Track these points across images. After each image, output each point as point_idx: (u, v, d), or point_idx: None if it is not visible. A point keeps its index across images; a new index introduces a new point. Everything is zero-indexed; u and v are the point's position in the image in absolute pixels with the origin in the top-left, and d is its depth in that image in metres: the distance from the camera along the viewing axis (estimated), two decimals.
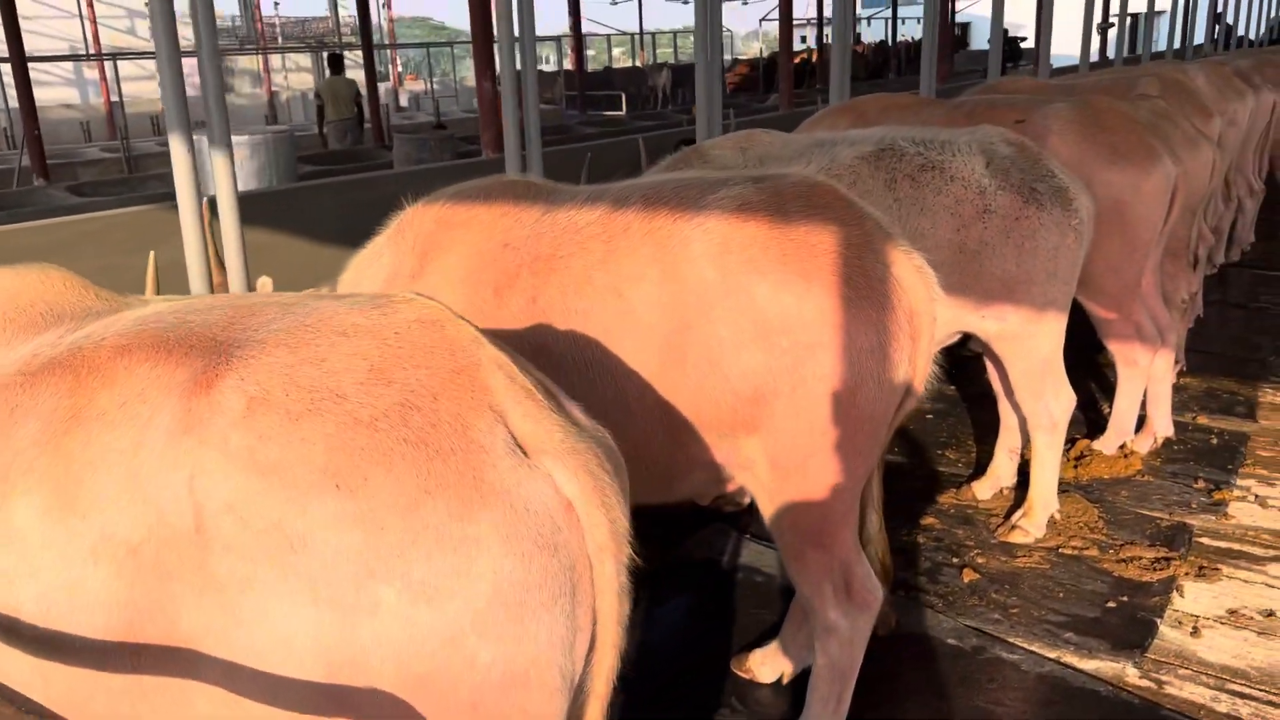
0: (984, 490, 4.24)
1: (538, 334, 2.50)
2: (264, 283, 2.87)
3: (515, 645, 1.39)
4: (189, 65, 4.38)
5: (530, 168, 4.81)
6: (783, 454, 2.41)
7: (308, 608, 1.35)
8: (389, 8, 26.85)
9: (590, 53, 35.70)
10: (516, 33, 5.12)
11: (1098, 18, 21.76)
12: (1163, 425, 4.71)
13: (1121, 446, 4.62)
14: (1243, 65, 8.16)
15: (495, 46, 5.25)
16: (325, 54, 16.97)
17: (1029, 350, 3.72)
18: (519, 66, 5.11)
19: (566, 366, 2.47)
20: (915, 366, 2.45)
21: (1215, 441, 4.79)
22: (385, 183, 7.84)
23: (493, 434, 1.42)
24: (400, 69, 27.66)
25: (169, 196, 4.26)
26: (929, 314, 2.44)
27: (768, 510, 2.52)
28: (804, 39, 35.05)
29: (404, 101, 26.67)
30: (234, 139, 9.21)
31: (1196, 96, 6.00)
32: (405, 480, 1.37)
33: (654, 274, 2.41)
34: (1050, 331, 3.70)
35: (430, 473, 1.38)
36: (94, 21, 22.39)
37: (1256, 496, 4.22)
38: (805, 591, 2.58)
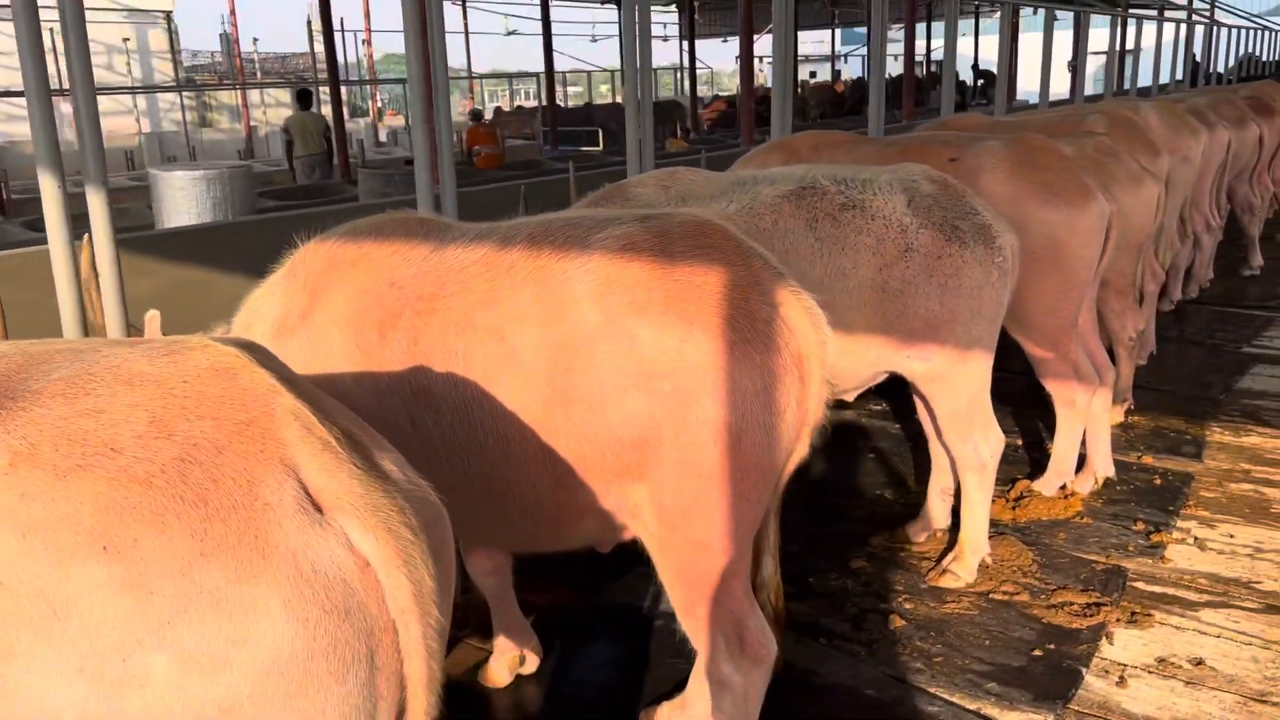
0: (917, 533, 4.16)
1: (419, 376, 2.42)
2: (151, 318, 2.79)
3: (299, 716, 1.30)
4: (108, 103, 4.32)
5: (444, 207, 4.75)
6: (668, 501, 2.32)
7: (73, 679, 1.26)
8: (369, 44, 26.99)
9: (577, 89, 35.97)
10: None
11: (1069, 55, 21.96)
12: (1103, 465, 4.64)
13: (1062, 487, 4.55)
14: (1199, 103, 8.19)
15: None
16: (293, 89, 16.95)
17: (955, 390, 3.65)
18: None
19: (446, 409, 2.39)
20: (805, 410, 2.38)
21: (1159, 482, 4.72)
22: (341, 217, 7.79)
23: (281, 490, 1.34)
24: (380, 104, 27.73)
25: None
26: (819, 357, 2.36)
27: (657, 561, 2.44)
28: (813, 73, 35.41)
29: (383, 136, 26.72)
30: (190, 174, 9.17)
31: (1144, 134, 6.00)
32: (179, 541, 1.28)
33: (536, 315, 2.34)
34: (975, 371, 3.64)
35: (207, 533, 1.29)
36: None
37: (1195, 539, 4.14)
38: (697, 645, 2.48)
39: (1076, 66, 19.24)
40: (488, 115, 28.17)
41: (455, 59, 32.34)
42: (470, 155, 14.29)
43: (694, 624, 2.44)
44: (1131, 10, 18.89)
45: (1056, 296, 4.24)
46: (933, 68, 31.40)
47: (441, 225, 2.70)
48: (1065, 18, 15.45)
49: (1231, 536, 4.16)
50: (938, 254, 3.47)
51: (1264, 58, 35.16)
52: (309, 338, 2.59)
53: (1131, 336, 5.35)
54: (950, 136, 4.51)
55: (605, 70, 32.20)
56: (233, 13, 23.97)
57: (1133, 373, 5.48)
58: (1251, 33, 27.77)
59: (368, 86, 28.35)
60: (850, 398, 4.07)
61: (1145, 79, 19.64)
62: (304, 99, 14.08)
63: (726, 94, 28.72)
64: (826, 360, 2.38)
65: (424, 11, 4.92)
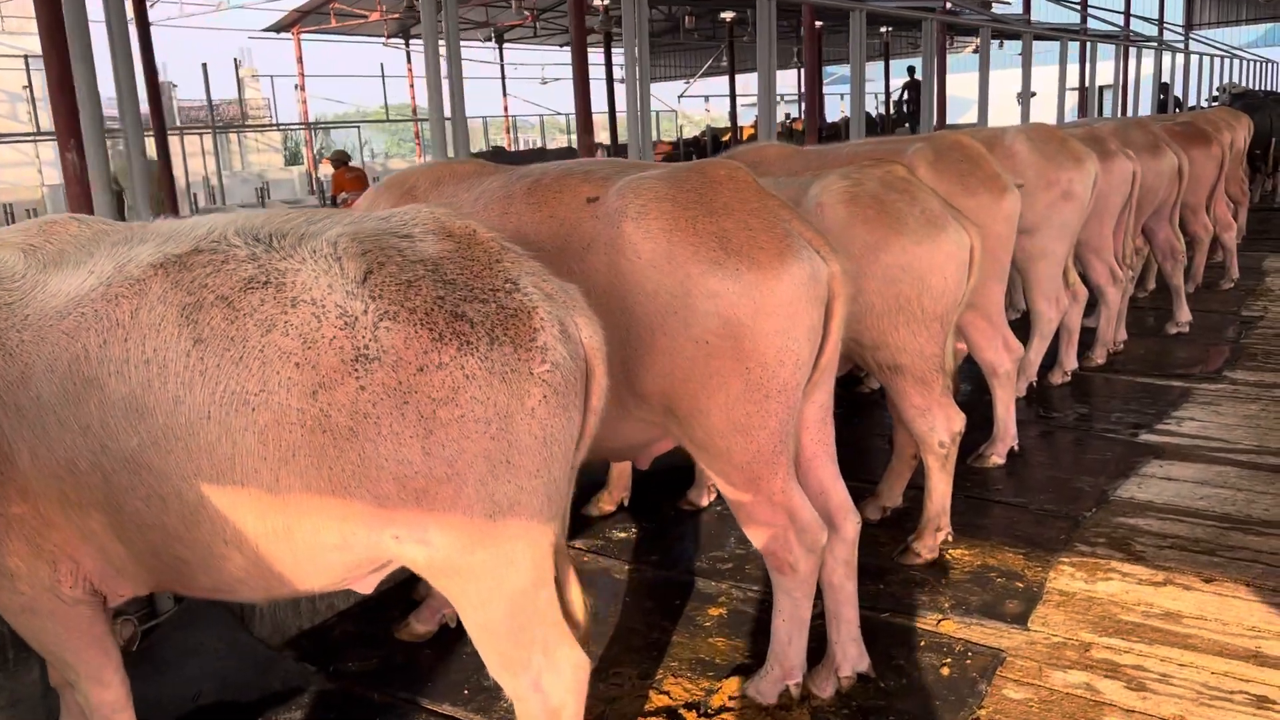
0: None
1: None
2: None
3: None
4: None
5: None
6: None
7: None
8: (302, 89, 25.72)
9: (533, 135, 34.81)
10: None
11: (1018, 87, 20.67)
12: (848, 658, 3.11)
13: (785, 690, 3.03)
14: (1101, 129, 6.75)
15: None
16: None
17: (484, 592, 2.15)
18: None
19: None
20: None
21: (947, 671, 3.19)
22: None
23: None
24: (316, 152, 26.44)
25: None
26: None
27: None
28: (788, 115, 34.07)
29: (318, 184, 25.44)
30: None
31: (981, 165, 4.53)
32: None
33: None
34: (516, 559, 2.13)
35: None
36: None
37: None
38: None
39: (1026, 98, 18.01)
40: (426, 156, 27.02)
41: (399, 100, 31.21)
42: (336, 203, 12.93)
43: None
44: (1102, 39, 17.63)
45: (744, 409, 2.75)
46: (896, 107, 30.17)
47: None
48: (1049, 52, 14.07)
49: None
50: (417, 364, 1.98)
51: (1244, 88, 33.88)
52: None
53: (943, 441, 3.86)
54: (604, 168, 3.02)
55: (559, 114, 30.96)
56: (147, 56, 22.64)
57: (947, 492, 3.96)
58: (1230, 63, 26.47)
59: (302, 133, 27.07)
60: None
61: (1144, 108, 18.44)
62: None
63: (668, 139, 27.45)
64: None
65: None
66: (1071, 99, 14.63)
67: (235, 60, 24.70)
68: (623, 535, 4.33)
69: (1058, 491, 4.61)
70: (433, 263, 2.09)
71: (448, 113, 4.86)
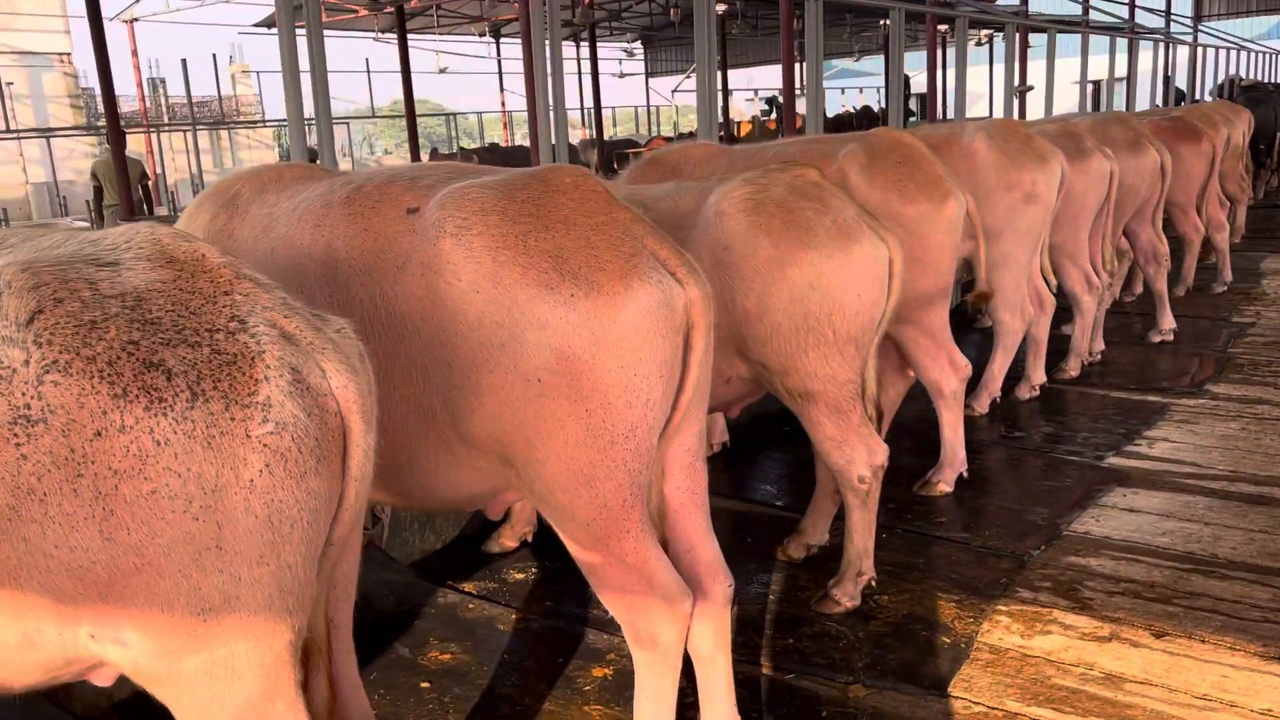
0: None
1: None
2: None
3: None
4: None
5: None
6: None
7: None
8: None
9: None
10: None
11: (1018, 81, 20.21)
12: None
13: None
14: (1077, 125, 6.30)
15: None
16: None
17: (210, 703, 1.74)
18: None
19: None
20: None
21: None
22: None
23: None
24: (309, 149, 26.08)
25: None
26: None
27: None
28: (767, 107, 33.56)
29: None
30: None
31: (924, 168, 4.10)
32: None
33: None
34: (244, 664, 1.73)
35: None
36: None
37: None
38: None
39: (1024, 91, 17.56)
40: (424, 157, 26.52)
41: (388, 97, 30.78)
42: None
43: None
44: (1101, 31, 17.11)
45: (585, 457, 2.34)
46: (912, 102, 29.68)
47: None
48: (1066, 44, 13.57)
49: None
50: (93, 428, 1.58)
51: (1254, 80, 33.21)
52: None
53: (863, 476, 3.44)
54: (438, 173, 2.60)
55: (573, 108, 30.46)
56: (134, 54, 22.40)
57: (869, 532, 3.54)
58: (1239, 55, 25.84)
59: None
60: None
61: (1144, 102, 17.94)
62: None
63: (664, 134, 27.02)
64: None
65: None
66: (1074, 94, 14.13)
67: (214, 56, 24.26)
68: (519, 577, 3.92)
69: (1007, 525, 4.18)
70: (135, 297, 1.69)
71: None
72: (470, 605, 3.70)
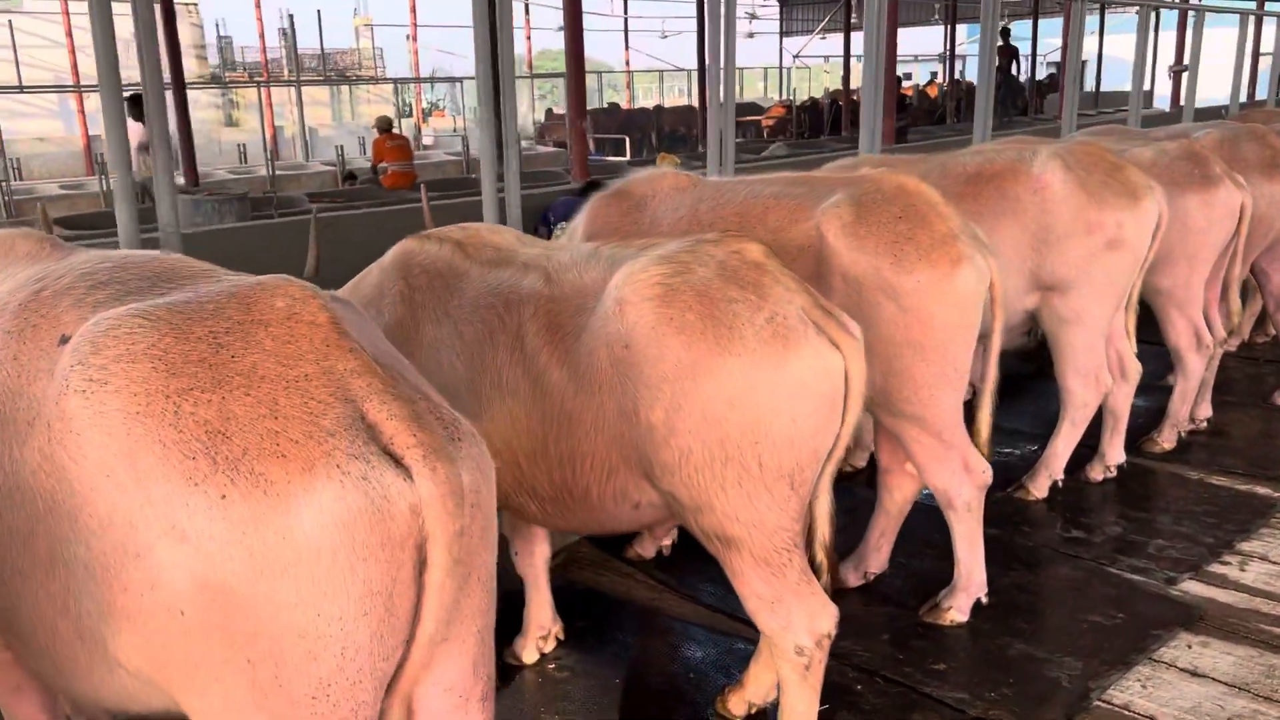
0: None
1: None
2: None
3: None
4: None
5: None
6: None
7: None
8: (414, 39, 25.03)
9: (651, 86, 33.40)
10: None
11: (1170, 62, 18.33)
12: None
13: None
14: (1204, 142, 5.17)
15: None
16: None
17: None
18: None
19: None
20: None
21: None
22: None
23: None
24: (426, 105, 25.81)
25: None
26: None
27: None
28: (934, 74, 31.58)
29: (427, 140, 24.88)
30: None
31: (930, 225, 3.17)
32: None
33: None
34: None
35: None
36: (73, 52, 21.25)
37: None
38: None
39: (1180, 72, 15.82)
40: (538, 117, 25.89)
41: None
42: (376, 172, 12.07)
43: None
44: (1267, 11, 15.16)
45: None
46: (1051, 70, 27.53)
47: None
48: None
49: None
50: None
51: None
52: None
53: (801, 646, 2.62)
54: (139, 273, 1.88)
55: (681, 70, 29.48)
56: (257, 5, 22.47)
57: (810, 714, 2.71)
58: None
59: (412, 86, 26.50)
60: None
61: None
62: (134, 106, 11.66)
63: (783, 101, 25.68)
64: None
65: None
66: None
67: (354, 9, 24.10)
68: None
69: (1020, 683, 3.27)
70: None
71: None
72: None
